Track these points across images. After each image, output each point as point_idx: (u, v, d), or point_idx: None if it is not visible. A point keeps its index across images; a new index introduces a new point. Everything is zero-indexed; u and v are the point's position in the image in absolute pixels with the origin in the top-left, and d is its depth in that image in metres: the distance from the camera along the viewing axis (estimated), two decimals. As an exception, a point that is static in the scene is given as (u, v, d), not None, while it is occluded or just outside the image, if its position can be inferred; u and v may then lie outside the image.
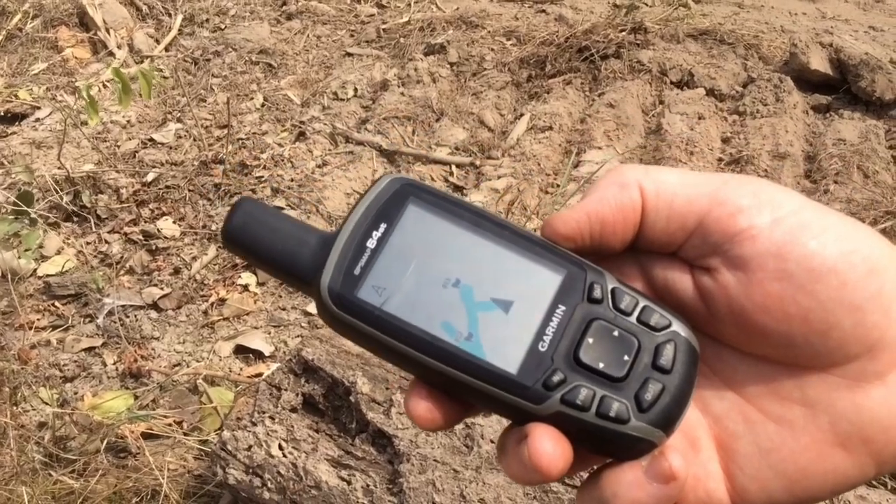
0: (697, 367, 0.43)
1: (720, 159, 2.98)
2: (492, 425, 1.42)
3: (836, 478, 0.42)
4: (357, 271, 0.43)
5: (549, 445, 0.40)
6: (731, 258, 0.42)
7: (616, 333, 0.42)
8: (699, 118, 3.12)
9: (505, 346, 0.42)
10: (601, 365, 0.41)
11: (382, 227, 0.44)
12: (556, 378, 0.41)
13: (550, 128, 3.07)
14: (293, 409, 1.61)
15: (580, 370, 0.41)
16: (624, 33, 3.56)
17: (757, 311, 0.42)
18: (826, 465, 0.42)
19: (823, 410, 0.42)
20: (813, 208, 0.43)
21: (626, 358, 0.41)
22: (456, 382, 0.42)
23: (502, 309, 0.43)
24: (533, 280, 0.43)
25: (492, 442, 1.41)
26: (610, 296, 0.43)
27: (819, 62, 3.34)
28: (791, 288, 0.41)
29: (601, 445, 0.42)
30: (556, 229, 0.45)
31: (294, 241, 0.44)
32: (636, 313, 0.43)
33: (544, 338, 0.42)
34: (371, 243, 0.43)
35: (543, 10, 4.06)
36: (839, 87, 3.31)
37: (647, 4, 4.04)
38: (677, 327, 0.43)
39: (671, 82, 3.38)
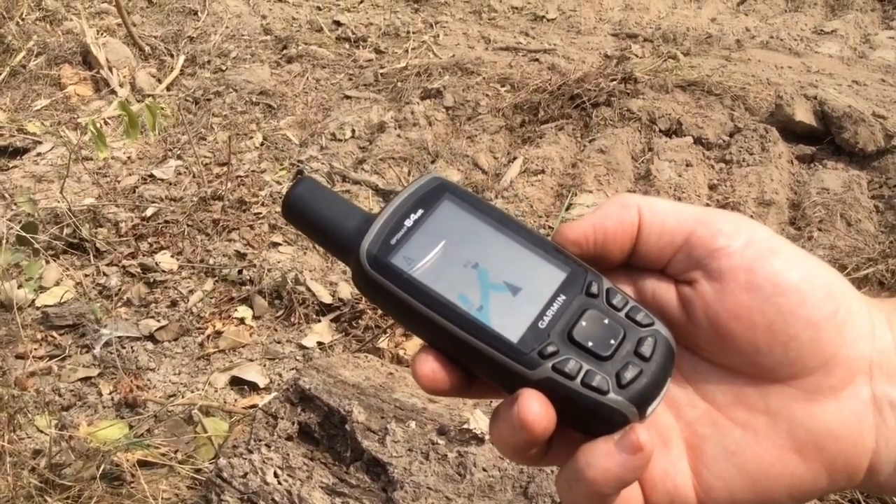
0: (674, 363, 0.49)
1: (707, 205, 3.05)
2: (484, 454, 1.46)
3: (793, 481, 0.48)
4: (393, 242, 0.50)
5: (536, 405, 0.45)
6: (709, 271, 0.49)
7: (606, 322, 0.48)
8: (687, 165, 3.20)
9: (510, 319, 0.48)
10: (590, 344, 0.48)
11: (420, 211, 0.52)
12: (551, 349, 0.47)
13: (543, 171, 3.14)
14: (289, 438, 1.64)
15: (572, 346, 0.48)
16: (615, 83, 3.66)
17: (729, 317, 0.48)
18: (784, 469, 0.48)
19: (783, 419, 0.48)
20: (782, 239, 0.50)
21: (612, 342, 0.48)
22: (463, 344, 0.48)
23: (511, 292, 0.50)
24: (541, 273, 0.50)
25: (484, 470, 1.45)
26: (605, 293, 0.50)
27: (804, 114, 3.43)
28: (758, 299, 0.47)
29: (582, 416, 0.47)
30: (565, 235, 0.52)
31: (343, 215, 0.53)
32: (625, 310, 0.49)
33: (544, 318, 0.49)
34: (409, 222, 0.51)
35: (537, 59, 4.18)
36: (823, 138, 3.39)
37: (637, 56, 4.16)
38: (659, 327, 0.49)
39: (660, 130, 3.47)
